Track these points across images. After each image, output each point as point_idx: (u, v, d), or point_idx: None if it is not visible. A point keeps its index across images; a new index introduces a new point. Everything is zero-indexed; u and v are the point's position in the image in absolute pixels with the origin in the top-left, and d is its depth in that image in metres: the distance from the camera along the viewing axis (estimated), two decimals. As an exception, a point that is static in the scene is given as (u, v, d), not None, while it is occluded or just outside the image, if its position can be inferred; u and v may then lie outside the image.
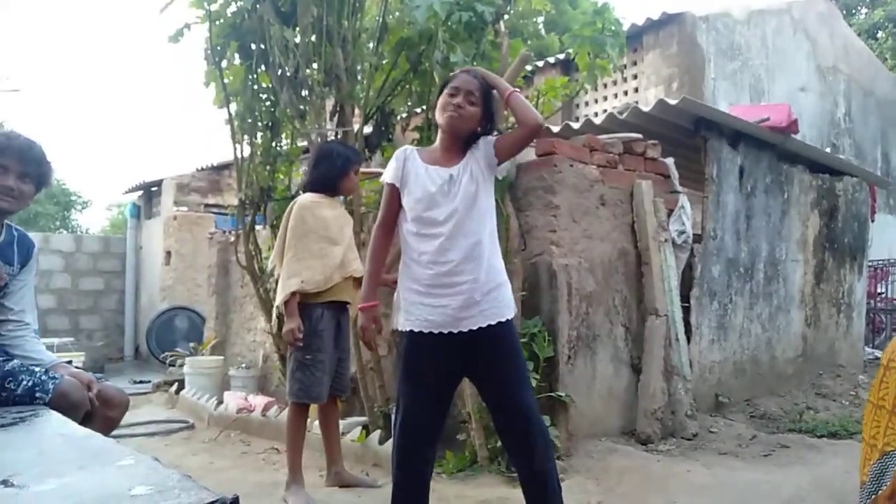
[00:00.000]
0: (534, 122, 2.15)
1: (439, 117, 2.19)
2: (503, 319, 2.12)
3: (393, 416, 2.59)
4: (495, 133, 2.27)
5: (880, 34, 15.30)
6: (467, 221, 2.11)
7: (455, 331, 2.09)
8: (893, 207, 10.56)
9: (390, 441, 3.62)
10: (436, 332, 2.11)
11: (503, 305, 2.14)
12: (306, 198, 3.20)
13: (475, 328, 2.09)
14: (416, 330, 2.13)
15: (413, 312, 2.13)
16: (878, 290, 9.18)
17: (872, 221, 6.71)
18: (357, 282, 3.24)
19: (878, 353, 7.40)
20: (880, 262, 9.00)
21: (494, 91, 2.23)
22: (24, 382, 2.04)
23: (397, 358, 2.25)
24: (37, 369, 2.13)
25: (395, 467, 2.17)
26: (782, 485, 3.07)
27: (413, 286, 2.14)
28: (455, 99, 2.15)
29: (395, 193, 2.22)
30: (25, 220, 15.48)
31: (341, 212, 3.29)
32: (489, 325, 2.09)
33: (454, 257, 2.08)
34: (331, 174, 3.19)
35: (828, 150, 7.60)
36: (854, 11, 16.34)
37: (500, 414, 2.17)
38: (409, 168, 2.20)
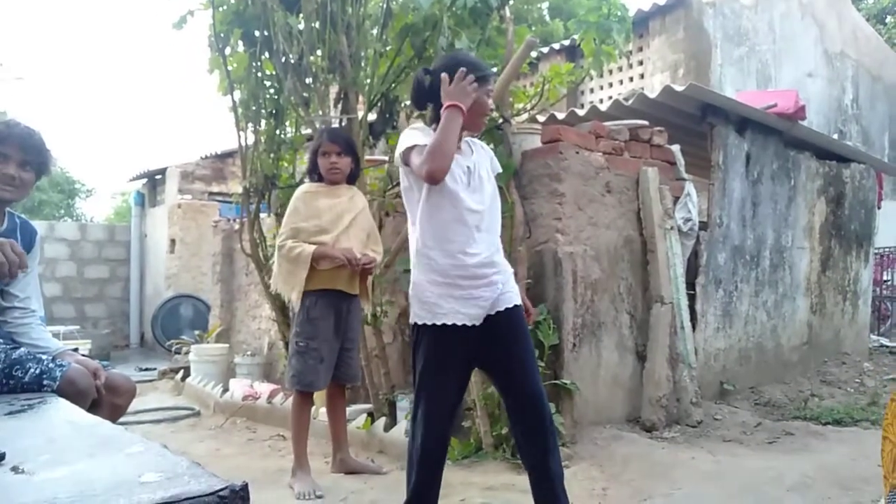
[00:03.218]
0: None
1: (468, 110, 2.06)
2: (519, 303, 2.22)
3: (410, 406, 2.58)
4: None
5: (889, 19, 15.13)
6: (493, 217, 2.21)
7: (477, 323, 2.13)
8: (900, 194, 10.49)
9: (395, 428, 3.65)
10: (469, 324, 2.10)
11: (515, 291, 2.24)
12: (303, 186, 3.25)
13: (501, 310, 2.15)
14: (449, 323, 2.09)
15: (443, 306, 2.09)
16: (884, 278, 9.15)
17: (879, 209, 6.67)
18: (363, 274, 3.20)
19: (883, 341, 7.39)
20: (887, 250, 8.96)
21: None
22: (32, 370, 2.05)
23: (415, 350, 2.19)
24: (44, 357, 2.13)
25: (419, 460, 2.13)
26: (787, 472, 3.08)
27: (437, 279, 2.10)
28: (479, 90, 2.10)
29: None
30: (29, 208, 15.52)
31: (343, 200, 3.17)
32: (506, 308, 2.15)
33: (482, 250, 2.12)
34: (313, 160, 3.21)
35: (835, 136, 7.55)
36: (862, -4, 16.15)
37: (513, 398, 2.17)
38: None
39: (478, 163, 2.20)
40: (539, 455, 2.12)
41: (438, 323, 2.09)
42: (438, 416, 2.14)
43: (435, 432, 2.14)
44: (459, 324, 2.09)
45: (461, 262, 2.07)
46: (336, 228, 3.10)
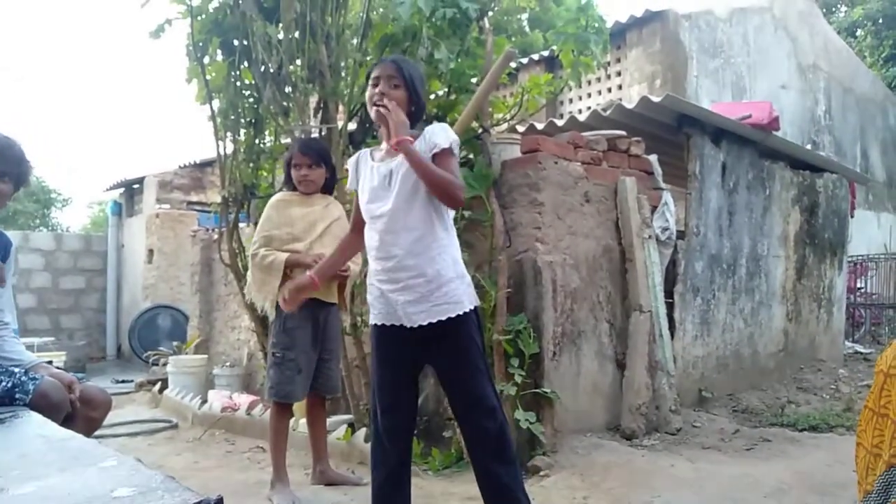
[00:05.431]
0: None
1: (370, 111, 2.18)
2: (453, 315, 2.08)
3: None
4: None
5: (859, 32, 15.50)
6: (407, 215, 2.09)
7: (407, 325, 2.12)
8: (873, 203, 10.72)
9: (376, 439, 3.62)
10: (388, 323, 2.17)
11: (454, 301, 2.09)
12: (277, 195, 3.26)
13: (425, 324, 2.09)
14: (376, 323, 2.21)
15: (374, 306, 2.21)
16: (858, 286, 9.32)
17: (852, 217, 6.81)
18: (342, 284, 3.21)
19: (857, 347, 7.52)
20: (859, 258, 9.14)
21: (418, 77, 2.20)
22: (4, 383, 2.02)
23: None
24: (16, 370, 2.10)
25: (372, 449, 2.24)
26: (765, 478, 3.11)
27: (371, 280, 2.21)
28: (377, 89, 2.14)
29: (357, 198, 2.28)
30: (4, 218, 15.23)
31: (316, 209, 3.17)
32: (439, 321, 2.08)
33: (396, 252, 2.09)
34: (287, 171, 3.20)
35: (808, 147, 7.70)
36: (834, 10, 16.55)
37: (454, 405, 2.20)
38: (360, 170, 2.27)
39: (404, 159, 2.10)
40: (480, 463, 2.13)
41: (376, 323, 2.21)
42: (385, 408, 2.18)
43: (384, 423, 2.18)
44: (379, 323, 2.19)
45: (375, 267, 2.17)
46: (309, 236, 3.09)
